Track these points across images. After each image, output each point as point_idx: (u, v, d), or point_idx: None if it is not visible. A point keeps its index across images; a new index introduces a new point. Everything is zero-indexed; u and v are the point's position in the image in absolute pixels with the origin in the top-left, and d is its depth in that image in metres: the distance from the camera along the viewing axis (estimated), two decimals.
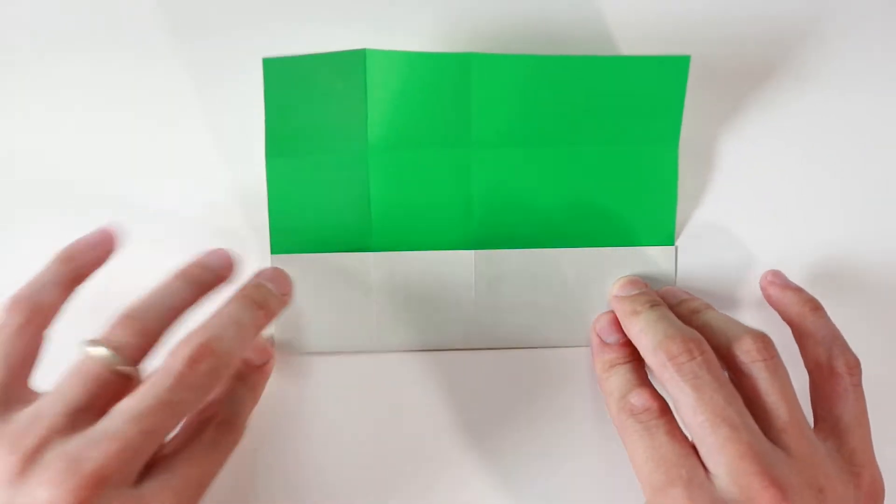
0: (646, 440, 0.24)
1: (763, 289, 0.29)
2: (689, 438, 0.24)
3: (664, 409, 0.25)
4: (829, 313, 0.28)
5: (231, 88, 0.30)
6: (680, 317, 0.27)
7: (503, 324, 0.30)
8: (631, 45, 0.31)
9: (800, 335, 0.27)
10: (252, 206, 0.30)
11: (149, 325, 0.23)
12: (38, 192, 0.31)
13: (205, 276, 0.26)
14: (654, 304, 0.27)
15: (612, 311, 0.29)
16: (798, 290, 0.28)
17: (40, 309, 0.24)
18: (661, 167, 0.30)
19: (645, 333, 0.26)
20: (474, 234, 0.29)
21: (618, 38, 0.31)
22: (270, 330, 0.30)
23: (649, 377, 0.27)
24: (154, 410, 0.21)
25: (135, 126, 0.31)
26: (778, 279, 0.29)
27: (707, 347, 0.25)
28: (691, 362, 0.24)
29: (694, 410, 0.23)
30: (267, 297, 0.26)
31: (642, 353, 0.26)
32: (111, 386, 0.22)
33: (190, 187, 0.30)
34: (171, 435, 0.23)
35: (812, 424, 0.26)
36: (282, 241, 0.29)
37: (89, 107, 0.31)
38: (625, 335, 0.28)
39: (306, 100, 0.29)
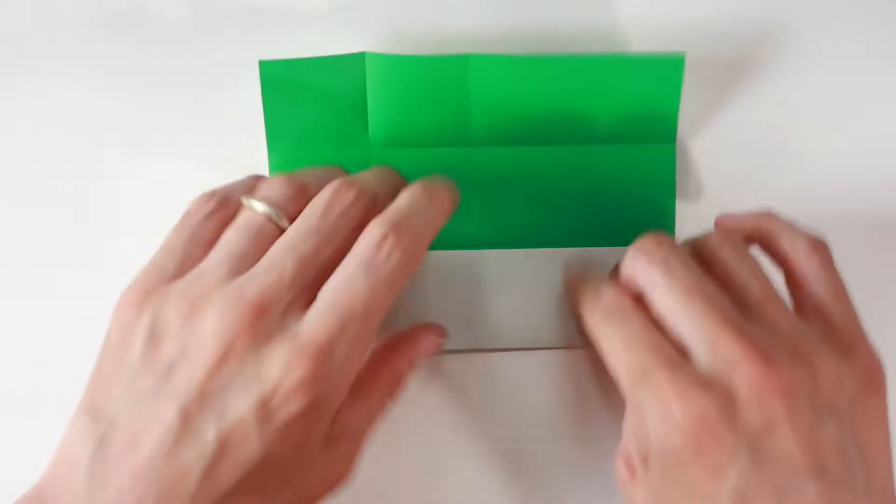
0: (620, 332, 0.23)
1: (718, 228, 0.28)
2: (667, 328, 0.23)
3: (637, 302, 0.24)
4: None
5: (234, 92, 0.30)
6: None
7: (503, 324, 0.30)
8: (626, 46, 0.31)
9: (762, 242, 0.26)
10: None
11: (303, 182, 0.24)
12: (36, 192, 0.31)
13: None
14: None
15: None
16: (748, 213, 0.27)
17: (228, 201, 0.24)
18: (659, 166, 0.30)
19: (622, 261, 0.25)
20: (474, 233, 0.30)
21: (612, 38, 0.31)
22: None
23: None
24: (307, 237, 0.22)
25: (134, 128, 0.31)
26: (727, 215, 0.27)
27: (676, 244, 0.24)
28: (660, 250, 0.24)
29: (667, 291, 0.23)
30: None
31: (620, 273, 0.25)
32: (270, 235, 0.23)
33: (191, 191, 0.31)
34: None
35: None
36: None
37: (87, 109, 0.31)
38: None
39: (305, 103, 0.29)
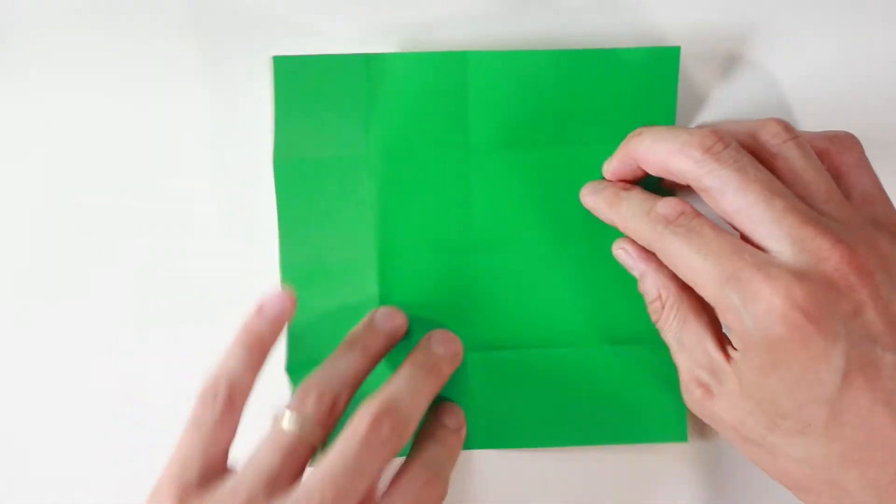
0: (693, 241, 0.24)
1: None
2: (736, 227, 0.24)
3: (696, 211, 0.24)
4: None
5: (241, 97, 0.31)
6: None
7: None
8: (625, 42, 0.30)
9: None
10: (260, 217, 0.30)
11: (333, 396, 0.25)
12: (35, 197, 0.31)
13: (379, 344, 0.28)
14: (651, 124, 0.27)
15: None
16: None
17: (236, 395, 0.25)
18: None
19: (662, 141, 0.25)
20: (475, 235, 0.29)
21: (608, 36, 0.30)
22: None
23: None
24: (343, 474, 0.23)
25: (136, 133, 0.31)
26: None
27: (731, 137, 0.24)
28: (727, 149, 0.24)
29: (743, 192, 0.23)
30: (438, 362, 0.27)
31: (662, 163, 0.25)
32: (302, 455, 0.24)
33: (194, 200, 0.31)
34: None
35: None
36: (291, 252, 0.29)
37: (84, 109, 0.31)
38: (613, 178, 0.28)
39: (314, 99, 0.29)
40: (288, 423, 0.24)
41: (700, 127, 0.28)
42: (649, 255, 0.26)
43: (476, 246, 0.29)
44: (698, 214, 0.24)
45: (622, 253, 0.28)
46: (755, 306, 0.22)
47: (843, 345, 0.22)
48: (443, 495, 0.26)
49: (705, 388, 0.25)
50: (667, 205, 0.25)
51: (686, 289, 0.25)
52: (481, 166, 0.29)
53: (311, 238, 0.29)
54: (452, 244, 0.29)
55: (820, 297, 0.21)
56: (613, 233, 0.28)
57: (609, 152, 0.28)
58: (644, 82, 0.29)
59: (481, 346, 0.29)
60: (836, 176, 0.26)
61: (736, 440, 0.25)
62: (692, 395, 0.25)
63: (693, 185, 0.24)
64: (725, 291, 0.22)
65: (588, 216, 0.29)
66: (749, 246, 0.23)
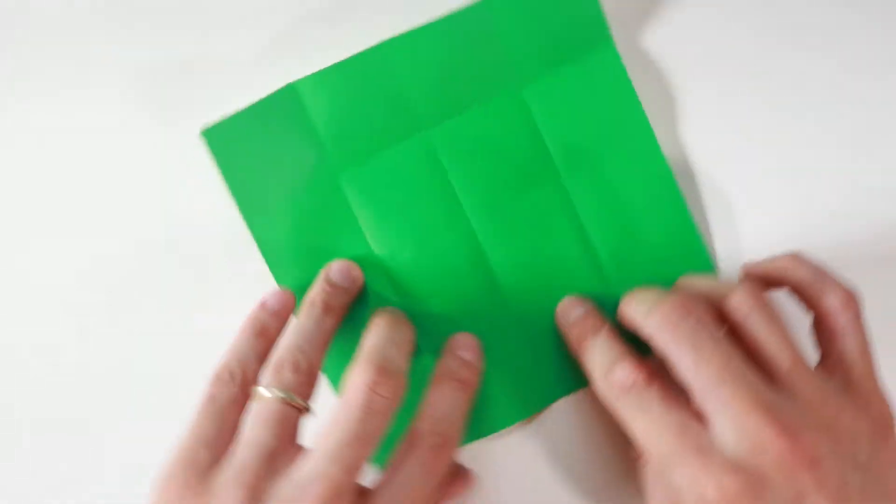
0: (641, 415, 0.25)
1: (746, 277, 0.29)
2: (689, 398, 0.24)
3: (651, 377, 0.25)
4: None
5: None
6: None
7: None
8: None
9: (792, 287, 0.27)
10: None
11: (308, 362, 0.25)
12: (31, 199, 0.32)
13: (339, 299, 0.28)
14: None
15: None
16: (771, 258, 0.28)
17: (248, 378, 0.25)
18: (610, 78, 0.29)
19: (635, 307, 0.27)
20: (462, 209, 0.30)
21: None
22: None
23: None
24: (350, 444, 0.23)
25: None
26: (751, 267, 0.29)
27: (699, 307, 0.25)
28: (686, 321, 0.25)
29: (695, 371, 0.24)
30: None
31: (636, 328, 0.26)
32: (293, 424, 0.24)
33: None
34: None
35: (817, 361, 0.27)
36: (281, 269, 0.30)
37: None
38: (588, 306, 0.29)
39: (260, 151, 0.29)
40: (272, 394, 0.24)
41: (678, 289, 0.28)
42: None
43: (466, 223, 0.29)
44: (650, 383, 0.25)
45: None
46: (691, 490, 0.23)
47: None
48: (447, 458, 0.25)
49: None
50: (622, 371, 0.25)
51: None
52: (443, 141, 0.29)
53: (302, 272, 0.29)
54: (440, 224, 0.29)
55: (754, 489, 0.22)
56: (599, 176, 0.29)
57: (552, 83, 0.29)
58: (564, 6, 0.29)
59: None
60: (825, 335, 0.26)
61: None
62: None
63: (658, 349, 0.25)
64: (667, 471, 0.24)
65: (566, 155, 0.29)
66: (694, 426, 0.24)
